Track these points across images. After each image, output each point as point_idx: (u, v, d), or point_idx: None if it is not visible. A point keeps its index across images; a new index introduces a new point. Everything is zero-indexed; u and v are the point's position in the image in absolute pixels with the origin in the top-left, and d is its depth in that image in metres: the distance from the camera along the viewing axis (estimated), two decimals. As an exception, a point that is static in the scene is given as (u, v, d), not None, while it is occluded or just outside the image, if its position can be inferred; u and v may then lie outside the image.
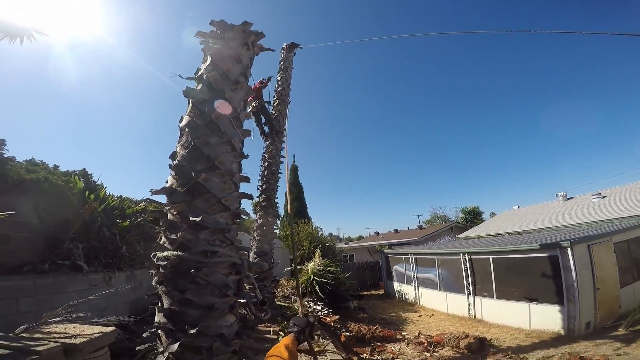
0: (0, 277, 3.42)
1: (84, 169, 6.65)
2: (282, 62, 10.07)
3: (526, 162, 73.92)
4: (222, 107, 3.53)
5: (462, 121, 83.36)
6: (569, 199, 18.71)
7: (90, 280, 4.32)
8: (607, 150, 65.12)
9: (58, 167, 6.06)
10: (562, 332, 7.37)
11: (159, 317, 2.91)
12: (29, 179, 4.24)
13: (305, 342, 1.39)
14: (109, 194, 6.07)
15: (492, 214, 29.69)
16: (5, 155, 4.62)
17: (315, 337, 6.10)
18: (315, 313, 7.36)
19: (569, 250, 7.43)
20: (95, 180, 6.34)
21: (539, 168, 71.72)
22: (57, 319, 2.53)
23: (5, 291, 3.33)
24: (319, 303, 9.81)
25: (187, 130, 3.49)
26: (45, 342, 2.09)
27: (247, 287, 6.73)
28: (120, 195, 6.76)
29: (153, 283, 3.03)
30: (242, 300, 3.19)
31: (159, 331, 2.83)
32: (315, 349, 5.12)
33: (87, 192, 5.10)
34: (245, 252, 3.60)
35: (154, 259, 2.96)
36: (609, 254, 8.16)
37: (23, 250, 4.01)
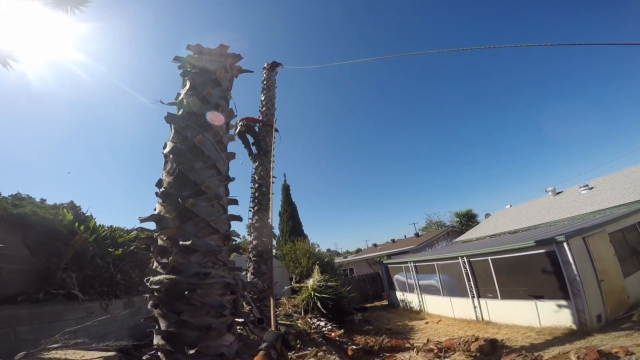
0: (-5, 307, 3.49)
1: (72, 202, 6.61)
2: (264, 82, 10.10)
3: (512, 161, 75.43)
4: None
5: (445, 127, 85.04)
6: (558, 193, 18.95)
7: (87, 308, 4.35)
8: (590, 142, 66.93)
9: (45, 200, 6.03)
10: (574, 327, 7.21)
11: (157, 340, 2.89)
12: (15, 213, 4.22)
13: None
14: (99, 225, 6.09)
15: (487, 215, 29.84)
16: (-9, 192, 4.60)
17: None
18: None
19: (565, 244, 7.42)
20: (84, 211, 6.33)
21: (525, 165, 73.20)
22: (56, 345, 2.50)
23: (1, 320, 3.40)
24: (322, 319, 9.64)
25: (171, 156, 3.53)
26: (45, 368, 2.00)
27: (246, 308, 6.59)
28: (111, 225, 6.80)
29: (149, 307, 3.03)
30: (239, 320, 3.18)
31: (159, 353, 2.79)
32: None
33: (76, 224, 5.12)
34: (240, 273, 3.59)
35: (147, 283, 2.97)
36: (605, 245, 8.15)
37: (16, 281, 4.07)
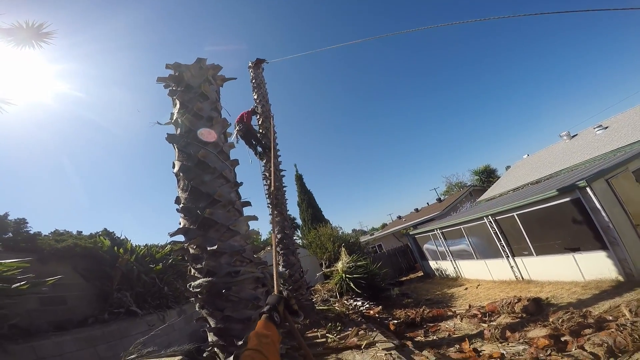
0: (73, 330, 3.97)
1: (105, 229, 7.03)
2: (253, 81, 10.04)
3: (521, 109, 72.83)
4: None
5: (455, 87, 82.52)
6: (573, 136, 18.28)
7: (148, 322, 4.84)
8: (599, 84, 63.61)
9: (81, 232, 6.45)
10: (621, 278, 6.78)
11: (211, 337, 3.26)
12: (61, 247, 4.62)
13: (288, 322, 1.33)
14: (136, 245, 6.47)
15: (507, 167, 29.20)
16: (32, 232, 5.02)
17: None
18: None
19: (588, 189, 6.94)
20: (119, 236, 6.73)
21: (534, 111, 70.57)
22: (133, 356, 2.91)
23: (83, 341, 3.87)
24: (357, 299, 9.87)
25: (181, 174, 3.83)
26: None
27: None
28: (146, 244, 7.21)
29: (196, 309, 3.42)
30: None
31: (215, 349, 3.15)
32: (364, 342, 4.93)
33: (115, 248, 5.50)
34: (269, 266, 3.88)
35: (190, 289, 3.34)
36: (632, 185, 7.51)
37: (80, 306, 4.57)
